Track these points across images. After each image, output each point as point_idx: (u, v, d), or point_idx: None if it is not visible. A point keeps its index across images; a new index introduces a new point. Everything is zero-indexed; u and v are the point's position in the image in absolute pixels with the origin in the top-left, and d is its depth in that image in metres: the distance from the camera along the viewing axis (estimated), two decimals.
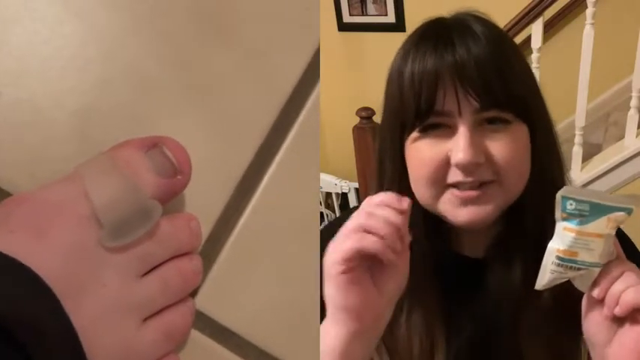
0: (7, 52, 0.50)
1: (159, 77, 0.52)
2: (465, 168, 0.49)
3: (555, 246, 0.46)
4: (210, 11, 0.53)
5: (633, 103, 1.59)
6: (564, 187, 0.46)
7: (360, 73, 2.36)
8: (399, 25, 2.22)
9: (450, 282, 0.55)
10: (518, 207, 0.52)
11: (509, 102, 0.50)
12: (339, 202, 2.26)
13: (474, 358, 0.55)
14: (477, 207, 0.50)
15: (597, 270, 0.45)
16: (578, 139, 1.66)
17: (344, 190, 2.20)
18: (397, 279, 0.46)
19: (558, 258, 0.45)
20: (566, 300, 0.48)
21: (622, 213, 0.45)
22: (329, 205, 2.29)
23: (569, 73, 1.64)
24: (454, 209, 0.51)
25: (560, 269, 0.45)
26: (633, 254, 0.58)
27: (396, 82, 0.52)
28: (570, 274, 0.46)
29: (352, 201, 2.20)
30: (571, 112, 1.66)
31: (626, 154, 1.62)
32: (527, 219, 0.52)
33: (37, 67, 0.50)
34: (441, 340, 0.53)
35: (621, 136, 1.70)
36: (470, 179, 0.49)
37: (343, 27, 2.33)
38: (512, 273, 0.53)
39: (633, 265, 0.46)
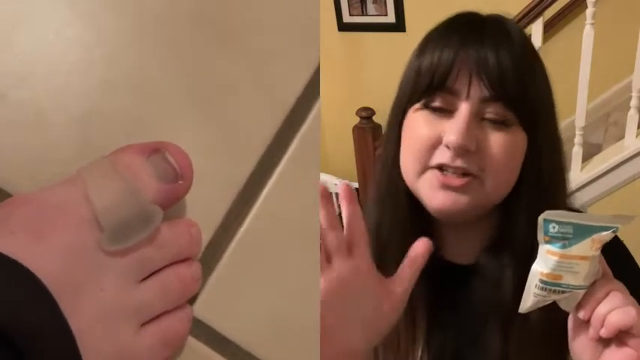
0: (12, 54, 0.50)
1: (162, 83, 0.52)
2: (454, 149, 0.49)
3: (538, 269, 0.45)
4: (214, 21, 0.53)
5: (633, 103, 1.59)
6: (546, 211, 0.45)
7: (360, 73, 2.36)
8: (399, 25, 2.22)
9: (434, 286, 0.54)
10: (511, 214, 0.52)
11: (518, 102, 0.50)
12: (339, 202, 2.26)
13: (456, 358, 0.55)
14: (454, 194, 0.50)
15: (582, 292, 0.44)
16: (578, 139, 1.66)
17: None
18: (388, 309, 0.44)
19: (542, 282, 0.45)
20: (556, 312, 0.48)
21: (607, 232, 0.44)
22: None
23: (569, 73, 1.64)
24: (432, 191, 0.51)
25: (544, 293, 0.45)
26: (626, 260, 0.58)
27: (415, 61, 0.53)
28: (554, 297, 0.45)
29: None
30: (571, 112, 1.66)
31: (626, 154, 1.62)
32: (521, 229, 0.52)
33: (42, 69, 0.50)
34: (422, 335, 0.54)
35: (621, 136, 1.69)
36: (455, 164, 0.49)
37: (343, 27, 2.33)
38: (501, 281, 0.53)
39: (619, 285, 0.45)
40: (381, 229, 0.56)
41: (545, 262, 0.45)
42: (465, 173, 0.50)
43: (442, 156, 0.50)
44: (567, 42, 1.93)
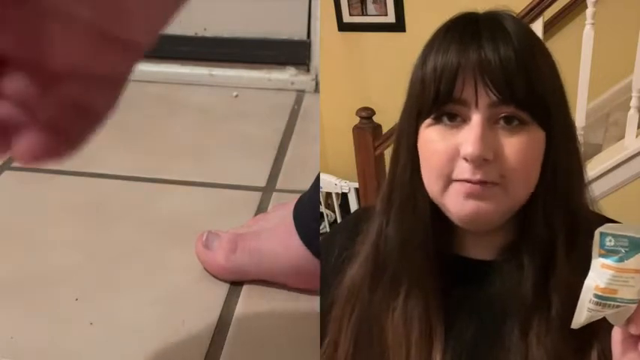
0: None
1: None
2: (473, 162, 0.49)
3: (593, 283, 0.44)
4: None
5: (633, 103, 1.59)
6: (605, 224, 0.44)
7: (360, 73, 2.35)
8: (399, 25, 2.21)
9: (451, 282, 0.54)
10: (528, 213, 0.52)
11: (529, 100, 0.49)
12: (339, 202, 2.26)
13: (474, 355, 0.54)
14: (481, 202, 0.50)
15: (634, 306, 0.44)
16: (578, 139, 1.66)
17: (344, 190, 2.20)
18: None
19: (596, 296, 0.44)
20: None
21: None
22: (329, 205, 2.28)
23: (569, 73, 1.63)
24: (459, 202, 0.51)
25: (598, 307, 0.44)
26: None
27: (419, 70, 0.53)
28: (608, 312, 0.44)
29: (352, 201, 2.20)
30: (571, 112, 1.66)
31: (626, 154, 1.62)
32: (538, 227, 0.52)
33: None
34: (440, 328, 0.53)
35: (621, 136, 1.69)
36: (476, 177, 0.49)
37: (343, 27, 2.33)
38: (520, 277, 0.52)
39: None
40: (387, 241, 0.56)
41: (600, 276, 0.44)
42: (485, 182, 0.50)
43: (462, 171, 0.50)
44: (567, 42, 1.92)
